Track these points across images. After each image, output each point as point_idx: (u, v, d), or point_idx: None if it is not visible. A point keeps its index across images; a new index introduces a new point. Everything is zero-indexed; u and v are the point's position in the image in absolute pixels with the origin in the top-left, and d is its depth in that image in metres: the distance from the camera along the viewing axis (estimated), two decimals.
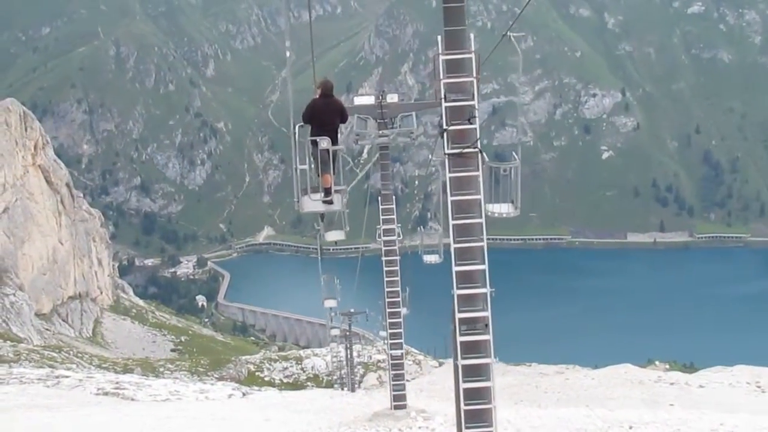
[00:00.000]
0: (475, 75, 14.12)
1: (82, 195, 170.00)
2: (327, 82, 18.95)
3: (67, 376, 59.17)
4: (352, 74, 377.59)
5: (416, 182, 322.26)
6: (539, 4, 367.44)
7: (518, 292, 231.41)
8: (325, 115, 18.33)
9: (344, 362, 65.37)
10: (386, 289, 24.56)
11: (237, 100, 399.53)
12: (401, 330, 24.75)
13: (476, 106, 14.22)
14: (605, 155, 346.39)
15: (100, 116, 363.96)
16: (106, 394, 51.53)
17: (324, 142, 17.55)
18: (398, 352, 24.25)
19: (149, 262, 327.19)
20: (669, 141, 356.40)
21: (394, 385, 25.02)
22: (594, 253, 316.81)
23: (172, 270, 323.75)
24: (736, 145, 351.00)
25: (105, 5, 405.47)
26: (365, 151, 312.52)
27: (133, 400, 50.38)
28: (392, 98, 24.95)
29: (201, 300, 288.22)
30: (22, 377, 56.75)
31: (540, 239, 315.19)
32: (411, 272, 28.42)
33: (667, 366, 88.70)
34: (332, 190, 17.94)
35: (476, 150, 14.25)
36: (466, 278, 14.21)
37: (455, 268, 14.06)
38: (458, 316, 14.10)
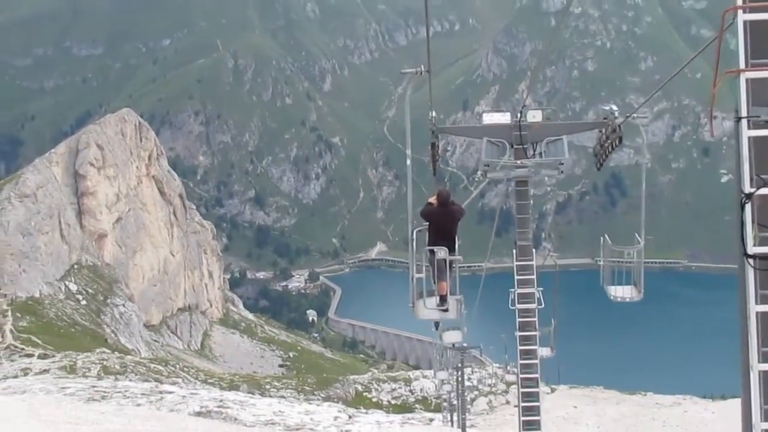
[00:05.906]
0: None
1: (194, 207, 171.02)
2: (443, 192, 17.95)
3: (171, 392, 58.23)
4: (469, 92, 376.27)
5: (531, 201, 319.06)
6: (660, 24, 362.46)
7: (630, 317, 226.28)
8: (442, 223, 17.55)
9: (454, 388, 63.12)
10: (521, 375, 17.76)
11: (353, 114, 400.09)
12: (539, 418, 18.68)
13: None
14: (724, 179, 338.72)
15: (216, 128, 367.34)
16: (209, 412, 50.39)
17: (441, 252, 16.78)
18: None
19: (261, 275, 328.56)
20: None
21: None
22: (709, 278, 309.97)
23: (284, 284, 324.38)
24: None
25: (225, 18, 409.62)
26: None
27: (236, 420, 49.15)
28: (535, 116, 17.45)
29: (311, 315, 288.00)
30: (126, 391, 55.86)
31: (656, 263, 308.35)
32: (552, 294, 20.52)
33: None
34: (447, 298, 16.97)
35: None
36: None
37: None
38: None
